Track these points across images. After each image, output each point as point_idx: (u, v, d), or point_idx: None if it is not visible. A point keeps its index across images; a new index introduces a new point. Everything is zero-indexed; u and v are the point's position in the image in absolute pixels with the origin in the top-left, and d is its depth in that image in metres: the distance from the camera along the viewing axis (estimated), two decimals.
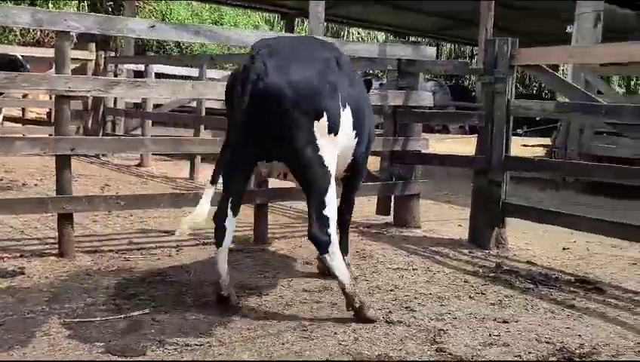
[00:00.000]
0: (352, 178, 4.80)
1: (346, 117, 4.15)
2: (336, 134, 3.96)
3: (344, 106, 4.09)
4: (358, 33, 29.81)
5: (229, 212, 4.11)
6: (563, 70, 19.09)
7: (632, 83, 31.22)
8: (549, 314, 4.25)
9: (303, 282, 4.75)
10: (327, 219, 3.87)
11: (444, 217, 7.70)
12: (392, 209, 7.04)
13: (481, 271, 5.32)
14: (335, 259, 3.91)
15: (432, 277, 5.02)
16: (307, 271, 5.08)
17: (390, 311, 4.16)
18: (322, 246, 3.88)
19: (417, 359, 3.43)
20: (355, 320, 3.92)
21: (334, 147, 3.97)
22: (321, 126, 3.85)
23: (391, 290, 4.65)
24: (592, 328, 4.01)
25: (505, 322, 4.04)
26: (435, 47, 8.54)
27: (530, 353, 3.55)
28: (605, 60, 7.08)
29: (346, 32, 29.69)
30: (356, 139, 4.37)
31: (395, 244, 6.11)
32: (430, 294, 4.58)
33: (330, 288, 4.61)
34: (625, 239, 5.78)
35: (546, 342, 3.71)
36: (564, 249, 6.33)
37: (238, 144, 3.87)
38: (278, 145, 3.87)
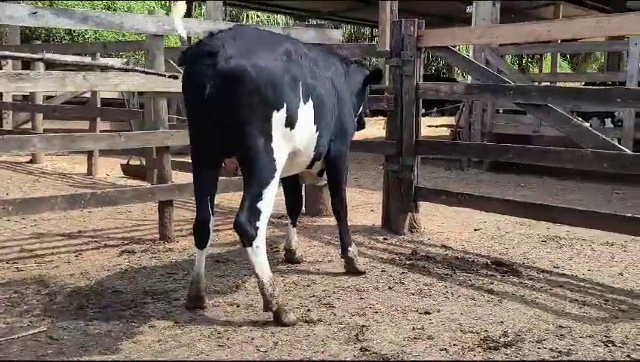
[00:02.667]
0: (330, 173, 4.74)
1: (307, 111, 3.98)
2: (292, 128, 3.82)
3: (305, 100, 3.95)
4: (258, 17, 29.31)
5: (210, 212, 3.94)
6: (461, 50, 19.39)
7: (524, 61, 32.28)
8: (469, 301, 4.18)
9: (215, 283, 4.48)
10: (259, 212, 3.67)
11: (355, 203, 7.57)
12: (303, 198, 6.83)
13: (397, 258, 5.22)
14: (259, 255, 3.69)
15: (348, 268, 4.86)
16: (220, 270, 4.80)
17: (309, 309, 3.96)
18: (246, 238, 3.66)
19: (342, 360, 3.25)
20: (274, 323, 3.70)
21: (288, 141, 3.82)
22: (279, 117, 3.70)
23: (308, 286, 4.46)
24: (513, 313, 3.96)
25: (427, 313, 3.93)
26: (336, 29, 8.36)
27: (455, 345, 3.44)
28: (512, 40, 7.10)
29: (245, 16, 29.14)
30: (317, 133, 4.17)
31: (309, 235, 5.93)
32: (349, 287, 4.42)
33: (244, 287, 4.37)
34: (533, 219, 5.81)
35: (470, 332, 3.62)
36: (475, 230, 6.35)
37: (198, 135, 3.79)
38: (233, 133, 3.64)
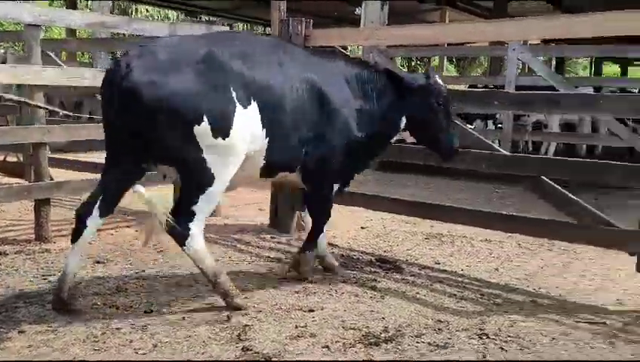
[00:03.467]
0: (307, 187, 4.49)
1: (249, 115, 3.83)
2: (225, 137, 3.70)
3: (246, 103, 3.80)
4: (147, 11, 28.59)
5: (92, 210, 3.82)
6: (351, 51, 19.70)
7: (413, 63, 33.22)
8: (353, 298, 4.23)
9: (95, 284, 4.31)
10: (193, 214, 3.75)
11: (245, 201, 7.52)
12: None
13: (284, 257, 5.21)
14: (197, 254, 3.82)
15: (234, 268, 4.81)
16: (99, 271, 4.62)
17: (193, 310, 3.88)
18: (178, 239, 3.78)
19: (223, 361, 3.20)
20: (156, 323, 3.61)
21: (228, 149, 3.73)
22: (202, 130, 3.60)
23: (191, 286, 4.37)
24: (395, 309, 4.05)
25: (311, 311, 3.94)
26: (229, 27, 8.28)
27: (337, 342, 3.47)
28: (398, 42, 7.27)
29: (134, 10, 28.31)
30: (267, 139, 3.97)
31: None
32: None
33: (124, 289, 4.23)
34: (421, 217, 5.97)
35: (352, 329, 3.66)
36: (362, 228, 6.45)
37: (111, 147, 3.80)
38: (154, 149, 3.68)
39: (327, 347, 3.40)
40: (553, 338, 3.63)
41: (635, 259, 4.34)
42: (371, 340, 3.50)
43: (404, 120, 4.61)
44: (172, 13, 27.27)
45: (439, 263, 5.22)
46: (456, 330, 3.70)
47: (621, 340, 3.67)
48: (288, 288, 4.39)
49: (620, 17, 4.17)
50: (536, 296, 4.44)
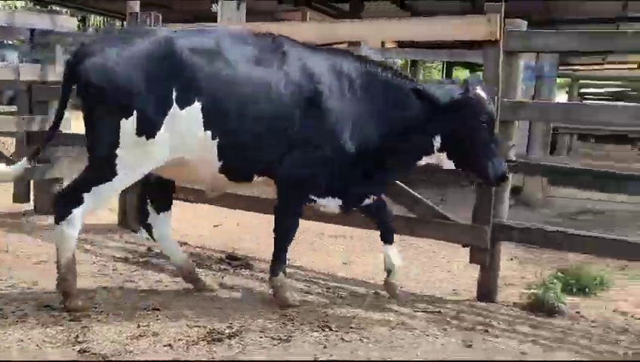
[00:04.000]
0: (278, 194, 4.13)
1: (189, 116, 3.67)
2: (150, 137, 3.62)
3: (185, 104, 3.65)
4: None
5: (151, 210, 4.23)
6: None
7: None
8: (200, 296, 4.20)
9: None
10: (81, 198, 3.65)
11: None
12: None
13: (131, 256, 5.09)
14: (59, 236, 3.71)
15: (78, 269, 4.60)
16: None
17: (26, 314, 3.69)
18: (56, 215, 3.70)
19: None
20: None
21: (145, 151, 3.65)
22: (127, 125, 3.58)
23: (29, 288, 4.16)
24: (242, 305, 4.06)
25: (155, 310, 3.86)
26: (82, 19, 7.95)
27: (180, 340, 3.43)
28: None
29: None
30: (217, 140, 3.77)
31: (37, 234, 5.53)
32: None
33: None
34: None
35: (197, 326, 3.63)
36: (215, 226, 6.41)
37: None
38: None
39: (170, 345, 3.35)
40: (392, 328, 3.80)
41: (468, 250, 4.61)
42: (215, 337, 3.49)
43: (437, 140, 4.04)
44: (20, 3, 25.74)
45: (289, 259, 5.27)
46: (301, 324, 3.77)
47: (454, 327, 3.90)
48: (134, 287, 4.29)
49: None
50: (379, 288, 4.61)
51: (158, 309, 3.88)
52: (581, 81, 13.17)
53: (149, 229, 4.34)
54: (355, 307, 4.17)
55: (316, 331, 3.67)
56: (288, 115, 3.85)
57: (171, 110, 3.64)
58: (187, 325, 3.65)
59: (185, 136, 3.70)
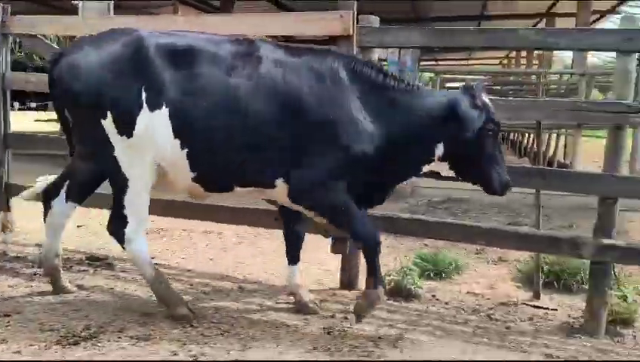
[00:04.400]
0: (315, 211, 3.83)
1: (157, 120, 3.58)
2: (128, 136, 3.59)
3: (154, 107, 3.57)
4: None
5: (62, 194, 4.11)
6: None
7: None
8: (56, 299, 4.06)
9: None
10: (124, 218, 3.74)
11: None
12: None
13: None
14: (135, 257, 3.81)
15: None
16: None
17: None
18: (120, 242, 3.82)
19: None
20: None
21: (135, 151, 3.63)
22: (108, 124, 3.59)
23: None
24: (100, 306, 3.97)
25: (6, 316, 3.70)
26: None
27: (31, 345, 3.30)
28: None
29: None
30: (186, 149, 3.63)
31: None
32: None
33: None
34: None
35: (50, 331, 3.51)
36: (78, 226, 6.21)
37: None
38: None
39: (19, 352, 3.22)
40: (252, 321, 3.83)
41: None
42: (70, 340, 3.39)
43: (440, 147, 3.77)
44: None
45: (154, 257, 5.19)
46: (160, 322, 3.73)
47: (315, 316, 3.99)
48: None
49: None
50: (244, 282, 4.64)
51: (9, 315, 3.71)
52: (445, 76, 13.74)
53: (46, 208, 4.16)
54: (218, 301, 4.17)
55: (176, 328, 3.64)
56: (267, 125, 3.61)
57: (143, 111, 3.58)
58: (40, 329, 3.52)
59: (157, 142, 3.62)
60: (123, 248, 3.82)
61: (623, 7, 16.46)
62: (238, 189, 3.83)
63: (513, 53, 23.49)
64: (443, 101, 3.76)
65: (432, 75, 14.02)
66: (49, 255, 4.17)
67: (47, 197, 4.16)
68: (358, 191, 3.77)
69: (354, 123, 3.65)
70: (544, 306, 4.55)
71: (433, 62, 25.74)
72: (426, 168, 3.91)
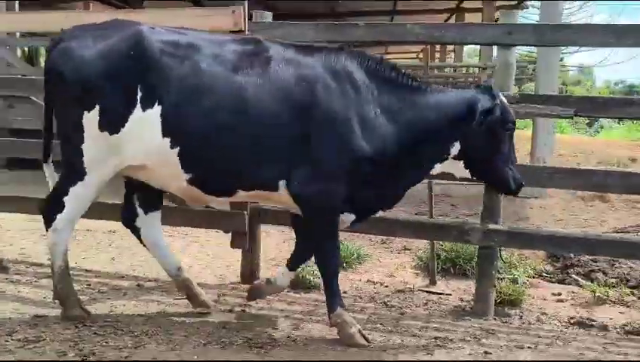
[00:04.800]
0: (306, 218, 3.73)
1: (147, 119, 3.47)
2: (111, 133, 3.49)
3: (147, 106, 3.47)
4: None
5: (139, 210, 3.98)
6: None
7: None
8: None
9: None
10: (63, 204, 3.64)
11: None
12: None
13: None
14: (54, 244, 3.75)
15: None
16: None
17: None
18: (47, 224, 3.76)
19: None
20: None
21: (109, 148, 3.52)
22: (91, 117, 3.50)
23: None
24: None
25: None
26: None
27: None
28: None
29: None
30: (177, 149, 3.50)
31: None
32: None
33: None
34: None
35: None
36: None
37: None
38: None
39: None
40: (149, 318, 3.84)
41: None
42: None
43: (456, 145, 3.72)
44: None
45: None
46: (53, 323, 3.68)
47: (214, 309, 4.02)
48: None
49: None
50: (143, 280, 4.62)
51: None
52: None
53: (136, 232, 3.99)
54: (115, 300, 4.15)
55: (69, 329, 3.60)
56: (274, 125, 3.50)
57: (135, 109, 3.48)
58: None
59: (143, 141, 3.51)
60: (47, 230, 3.77)
61: (528, 2, 17.04)
62: (240, 193, 3.68)
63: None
64: (461, 99, 3.71)
65: None
66: (172, 272, 4.02)
67: (129, 224, 3.98)
68: (372, 192, 3.69)
69: (367, 122, 3.57)
70: (439, 291, 4.73)
71: None
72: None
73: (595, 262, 5.57)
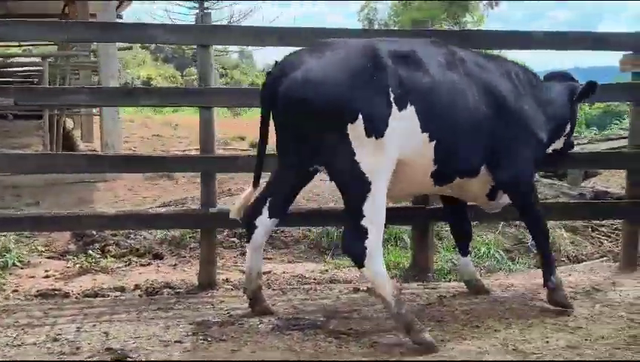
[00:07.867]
0: (516, 205, 4.38)
1: (405, 116, 3.69)
2: (377, 137, 3.54)
3: (403, 105, 3.67)
4: None
5: (265, 211, 3.95)
6: None
7: None
8: None
9: None
10: (364, 229, 3.49)
11: None
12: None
13: None
14: (376, 278, 3.53)
15: None
16: None
17: None
18: (357, 259, 3.55)
19: None
20: None
21: (381, 150, 3.55)
22: (357, 126, 3.51)
23: None
24: None
25: None
26: None
27: None
28: None
29: None
30: (433, 142, 3.78)
31: None
32: None
33: None
34: None
35: None
36: None
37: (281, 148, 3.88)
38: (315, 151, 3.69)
39: None
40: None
41: None
42: None
43: (568, 126, 4.62)
44: None
45: None
46: None
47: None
48: None
49: None
50: None
51: None
52: None
53: (251, 229, 4.03)
54: None
55: None
56: (485, 118, 4.01)
57: (392, 110, 3.61)
58: None
59: (406, 137, 3.68)
60: (360, 267, 3.56)
61: None
62: (457, 180, 4.11)
63: None
64: (567, 87, 4.58)
65: None
66: (252, 276, 4.07)
67: (250, 217, 4.02)
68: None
69: (536, 114, 4.31)
70: None
71: None
72: None
73: (115, 236, 6.05)
